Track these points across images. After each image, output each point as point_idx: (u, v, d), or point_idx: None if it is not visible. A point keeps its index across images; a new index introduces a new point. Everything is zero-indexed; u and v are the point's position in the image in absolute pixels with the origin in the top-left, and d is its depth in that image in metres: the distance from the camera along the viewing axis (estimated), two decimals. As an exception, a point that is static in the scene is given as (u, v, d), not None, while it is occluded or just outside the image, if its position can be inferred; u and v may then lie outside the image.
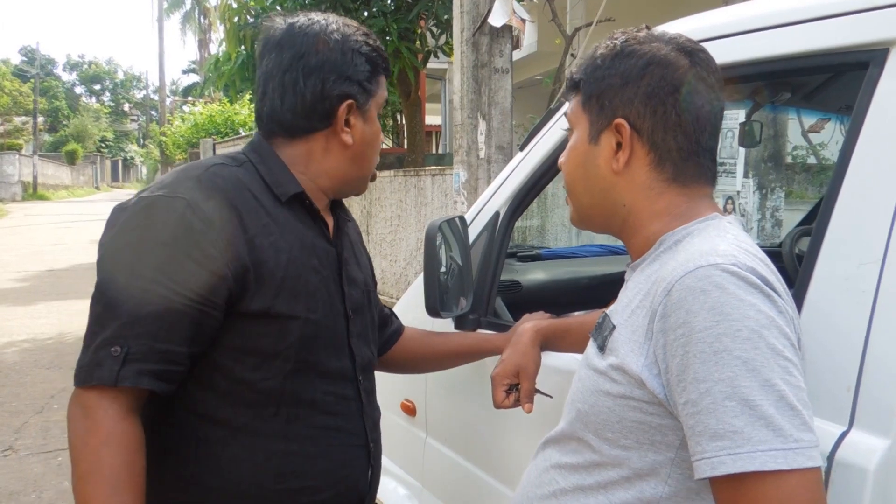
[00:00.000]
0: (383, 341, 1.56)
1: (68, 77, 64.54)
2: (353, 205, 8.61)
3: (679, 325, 0.82)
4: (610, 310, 1.00)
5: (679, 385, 0.82)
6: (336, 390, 1.24)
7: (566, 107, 1.08)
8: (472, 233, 1.71)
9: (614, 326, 0.95)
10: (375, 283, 1.51)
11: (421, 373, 1.70)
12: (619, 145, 0.99)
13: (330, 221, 1.32)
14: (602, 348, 0.96)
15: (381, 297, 1.61)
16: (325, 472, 1.23)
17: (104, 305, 1.07)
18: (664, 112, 0.96)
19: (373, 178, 1.37)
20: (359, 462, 1.29)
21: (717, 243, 0.87)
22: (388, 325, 1.58)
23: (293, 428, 1.19)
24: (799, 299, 1.02)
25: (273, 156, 1.25)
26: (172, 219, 1.08)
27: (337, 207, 1.35)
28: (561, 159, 1.09)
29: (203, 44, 34.31)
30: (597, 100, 1.01)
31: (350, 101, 1.23)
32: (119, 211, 1.13)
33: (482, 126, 4.92)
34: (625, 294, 1.00)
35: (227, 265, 1.09)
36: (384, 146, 14.14)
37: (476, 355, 1.57)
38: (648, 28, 1.03)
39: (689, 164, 0.98)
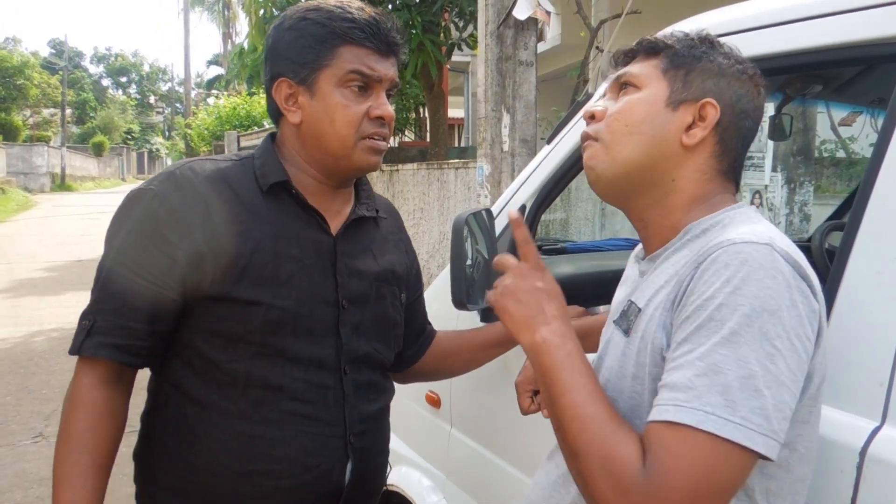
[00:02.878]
0: (417, 347, 1.57)
1: (95, 69, 65.38)
2: (376, 197, 8.63)
3: (698, 290, 0.84)
4: (634, 296, 1.00)
5: (674, 337, 0.85)
6: (309, 378, 1.25)
7: (628, 67, 1.05)
8: (499, 226, 1.72)
9: (640, 309, 0.96)
10: (419, 288, 1.54)
11: (459, 373, 1.66)
12: (693, 122, 0.98)
13: (342, 212, 1.33)
14: (627, 331, 0.97)
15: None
16: (291, 459, 1.24)
17: (93, 285, 1.22)
18: (742, 118, 0.99)
19: (382, 152, 1.30)
20: (333, 453, 1.28)
21: (754, 227, 0.89)
22: (423, 333, 1.59)
23: (260, 411, 1.22)
24: (831, 294, 1.01)
25: (269, 148, 1.30)
26: (140, 208, 1.20)
27: (361, 201, 1.37)
28: (599, 108, 1.04)
29: (227, 36, 34.54)
30: (686, 73, 0.99)
31: (280, 79, 1.25)
32: (118, 205, 1.25)
33: (506, 119, 4.91)
34: (649, 282, 0.99)
35: (183, 251, 1.17)
36: (407, 139, 14.16)
37: (509, 343, 1.56)
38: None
39: (737, 164, 1.02)
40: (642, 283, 1.01)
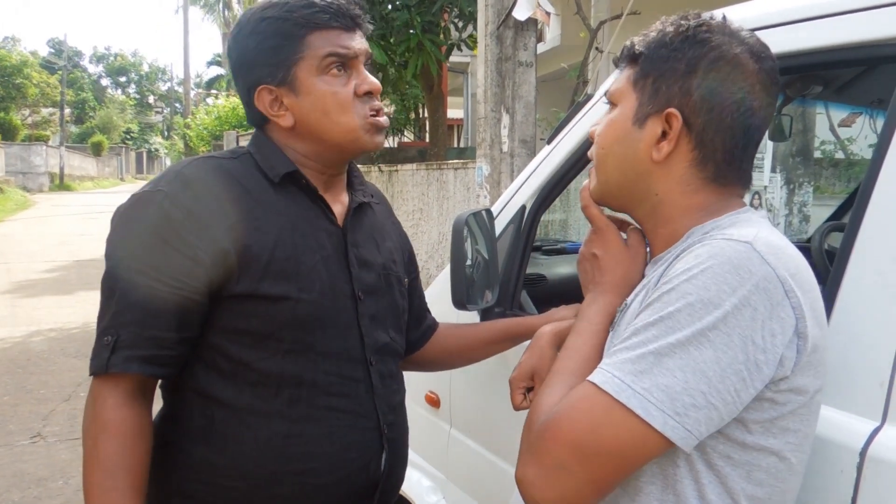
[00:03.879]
0: (419, 335, 1.55)
1: (95, 69, 65.31)
2: (375, 198, 8.63)
3: (665, 276, 0.86)
4: (629, 297, 1.00)
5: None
6: (342, 371, 1.23)
7: (612, 77, 1.05)
8: (498, 226, 1.72)
9: (627, 305, 0.97)
10: (414, 270, 1.52)
11: (457, 367, 1.68)
12: (664, 134, 0.95)
13: (341, 200, 1.32)
14: (613, 326, 0.99)
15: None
16: (331, 455, 1.22)
17: (104, 298, 1.16)
18: (720, 113, 0.93)
19: (379, 129, 1.27)
20: (371, 445, 1.27)
21: (749, 230, 0.87)
22: (424, 320, 1.57)
23: (295, 409, 1.19)
24: (831, 294, 1.01)
25: (266, 141, 1.27)
26: (152, 211, 1.14)
27: (355, 188, 1.35)
28: (596, 129, 1.04)
29: (227, 37, 34.51)
30: (653, 81, 0.95)
31: (259, 87, 1.22)
32: (117, 210, 1.20)
33: (505, 120, 4.91)
34: (643, 281, 1.00)
35: (205, 251, 1.13)
36: (406, 139, 14.16)
37: (511, 340, 1.55)
38: (724, 17, 0.97)
39: (731, 167, 0.96)
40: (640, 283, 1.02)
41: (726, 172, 0.96)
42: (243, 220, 1.17)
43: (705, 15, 0.97)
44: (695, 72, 0.92)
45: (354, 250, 1.29)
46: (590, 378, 0.84)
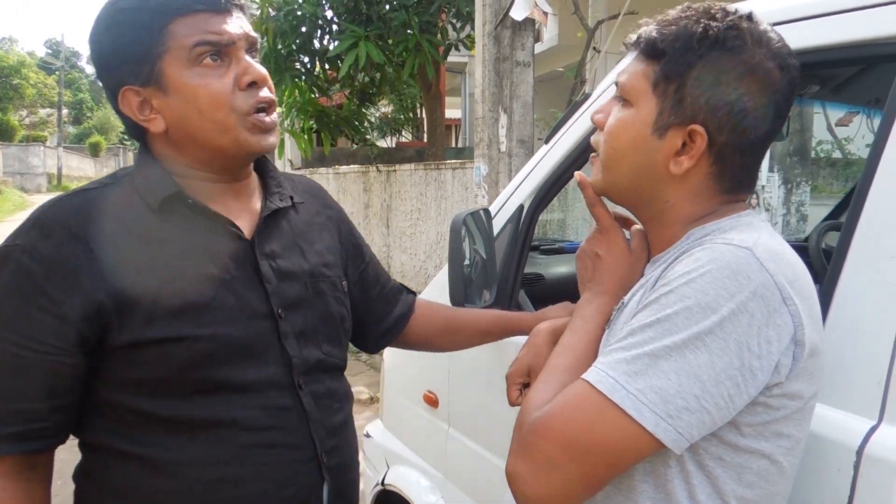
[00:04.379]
0: (391, 324, 1.45)
1: (92, 69, 65.13)
2: (374, 198, 8.64)
3: (664, 278, 0.86)
4: (626, 296, 1.00)
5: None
6: (265, 402, 1.10)
7: (624, 64, 0.97)
8: (496, 226, 1.72)
9: (624, 304, 0.97)
10: (361, 262, 1.39)
11: (443, 350, 1.64)
12: (683, 145, 0.91)
13: (250, 209, 1.17)
14: (609, 325, 0.98)
15: (402, 289, 1.52)
16: (262, 495, 1.11)
17: None
18: (744, 131, 0.89)
19: (267, 131, 1.11)
20: (309, 479, 1.16)
21: (749, 235, 0.86)
22: (394, 306, 1.45)
23: (216, 452, 1.08)
24: (828, 293, 1.01)
25: (146, 157, 1.12)
26: (10, 269, 1.02)
27: (271, 191, 1.21)
28: (600, 117, 0.99)
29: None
30: (677, 89, 0.89)
31: (123, 89, 1.07)
32: None
33: (503, 119, 4.91)
34: (641, 280, 0.99)
35: (74, 306, 1.00)
36: (404, 139, 14.16)
37: (499, 333, 1.52)
38: (751, 14, 0.91)
39: (745, 177, 0.95)
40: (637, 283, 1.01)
41: (740, 183, 0.95)
42: (118, 261, 1.03)
43: (731, 7, 0.91)
44: (723, 85, 0.87)
45: (270, 262, 1.15)
46: (584, 376, 0.84)
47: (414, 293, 1.51)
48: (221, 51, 1.05)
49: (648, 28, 0.93)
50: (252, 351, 1.10)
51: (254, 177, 1.21)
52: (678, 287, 0.82)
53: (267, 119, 1.09)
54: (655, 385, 0.78)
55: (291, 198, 1.24)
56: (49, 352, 1.01)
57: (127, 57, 1.05)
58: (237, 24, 1.07)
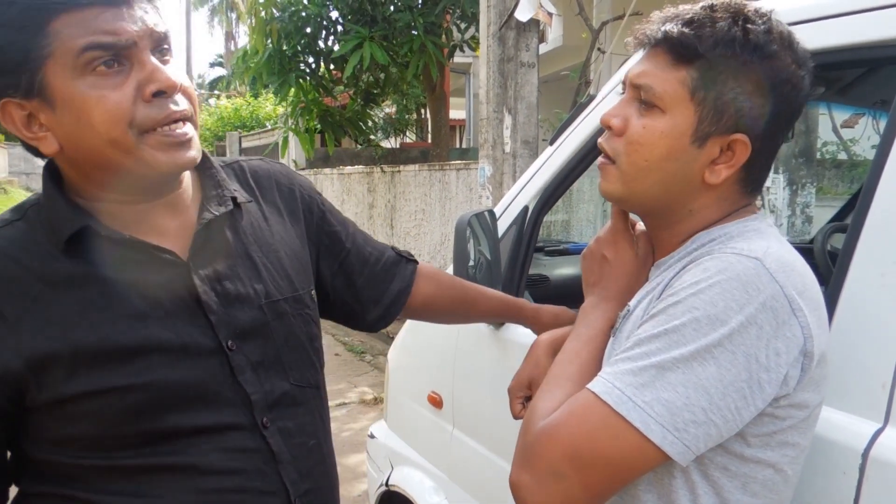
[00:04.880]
0: (388, 302, 1.30)
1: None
2: (378, 199, 8.64)
3: (671, 288, 0.85)
4: (632, 301, 0.98)
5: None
6: (224, 445, 0.97)
7: (642, 67, 0.89)
8: (501, 227, 1.72)
9: (630, 311, 0.95)
10: (342, 251, 1.23)
11: (450, 322, 1.64)
12: (720, 152, 0.88)
13: (186, 221, 0.99)
14: (614, 332, 0.97)
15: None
16: None
17: None
18: (777, 139, 0.90)
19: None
20: None
21: (758, 244, 0.85)
22: (388, 283, 1.30)
23: (178, 497, 0.95)
24: (834, 296, 1.01)
25: (49, 189, 0.94)
26: None
27: (208, 195, 1.02)
28: (626, 127, 0.91)
29: (230, 37, 34.59)
30: (717, 96, 0.86)
31: (2, 101, 0.88)
32: None
33: (508, 120, 4.91)
34: (646, 286, 0.98)
35: None
36: (408, 140, 14.15)
37: (508, 317, 1.51)
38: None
39: (763, 180, 0.95)
40: (643, 288, 0.99)
41: (760, 185, 0.95)
42: (25, 314, 0.89)
43: (758, 5, 0.88)
44: (763, 94, 0.86)
45: (211, 287, 0.98)
46: (590, 386, 0.82)
47: (415, 261, 1.36)
48: (119, 54, 0.86)
49: (673, 27, 0.86)
50: (201, 393, 0.96)
51: (188, 183, 1.01)
52: (686, 298, 0.80)
53: (178, 131, 0.90)
54: (663, 397, 0.77)
55: (234, 198, 1.03)
56: None
57: (1, 66, 0.85)
58: (138, 19, 0.87)
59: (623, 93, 0.94)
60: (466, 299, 1.42)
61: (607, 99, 1.47)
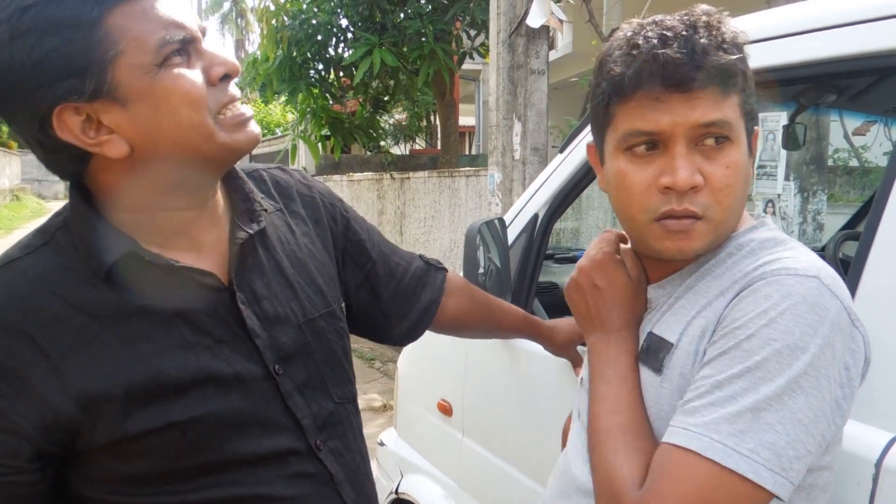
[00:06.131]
0: (417, 315, 1.24)
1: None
2: (388, 205, 8.66)
3: (732, 317, 0.79)
4: (656, 329, 0.91)
5: (712, 350, 0.80)
6: (285, 472, 0.95)
7: (715, 107, 0.81)
8: (511, 234, 1.72)
9: (672, 344, 0.87)
10: (367, 261, 1.18)
11: (472, 337, 1.57)
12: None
13: (218, 236, 0.95)
14: (659, 370, 0.87)
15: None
16: None
17: None
18: None
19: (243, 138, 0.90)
20: None
21: (797, 254, 0.82)
22: (418, 296, 1.24)
23: None
24: (846, 304, 1.00)
25: (83, 212, 0.88)
26: None
27: (239, 210, 0.98)
28: (714, 174, 0.82)
29: (240, 44, 34.82)
30: (746, 100, 0.85)
31: (58, 108, 0.80)
32: None
33: (517, 127, 4.91)
34: (674, 313, 0.89)
35: (26, 416, 0.81)
36: (418, 147, 14.18)
37: (527, 335, 1.45)
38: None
39: None
40: (661, 314, 0.92)
41: None
42: (69, 351, 0.83)
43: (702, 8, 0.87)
44: (752, 86, 0.87)
45: (252, 310, 0.94)
46: (682, 444, 0.76)
47: (444, 269, 1.29)
48: (184, 48, 0.85)
49: (712, 58, 0.80)
50: (258, 420, 0.93)
51: (219, 193, 0.98)
52: (760, 330, 0.76)
53: (240, 110, 0.90)
54: (766, 441, 0.74)
55: (264, 210, 1.00)
56: (1, 472, 0.82)
57: (57, 70, 0.79)
58: (189, 12, 0.87)
59: (650, 147, 0.84)
60: (493, 316, 1.35)
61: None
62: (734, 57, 0.81)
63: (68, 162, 0.86)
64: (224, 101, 0.88)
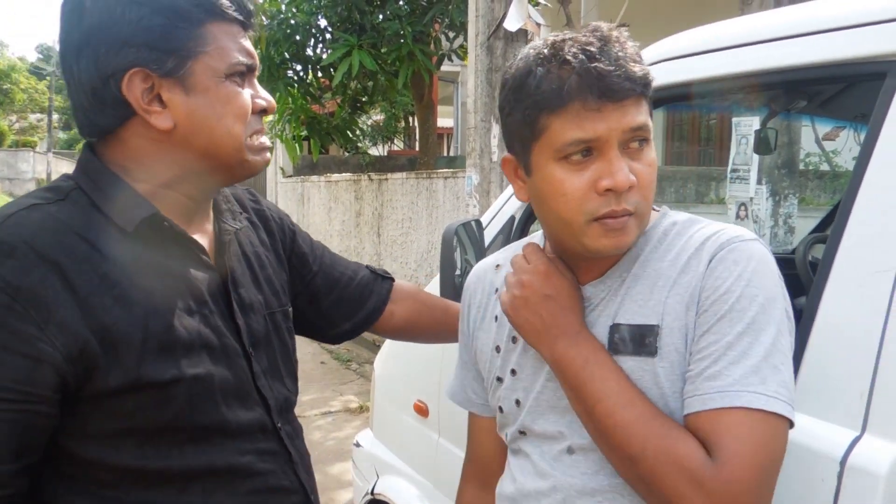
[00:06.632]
0: (354, 325, 1.30)
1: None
2: (366, 206, 8.65)
3: (711, 285, 0.88)
4: (619, 318, 0.93)
5: (696, 331, 0.88)
6: (256, 447, 1.01)
7: (639, 113, 0.89)
8: (488, 236, 1.73)
9: (656, 326, 0.90)
10: (303, 262, 1.25)
11: (434, 342, 1.54)
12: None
13: (208, 230, 1.06)
14: (654, 352, 0.90)
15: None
16: None
17: None
18: None
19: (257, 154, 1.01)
20: None
21: (727, 225, 0.93)
22: (358, 308, 1.30)
23: (213, 499, 0.97)
24: (813, 306, 1.03)
25: (105, 173, 0.96)
26: None
27: (221, 209, 1.08)
28: (640, 173, 0.89)
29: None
30: (649, 104, 0.92)
31: (134, 70, 0.91)
32: None
33: (495, 129, 4.93)
34: (632, 300, 0.93)
35: (51, 342, 0.84)
36: (396, 148, 14.18)
37: None
38: None
39: None
40: (616, 306, 0.94)
41: None
42: (97, 289, 0.88)
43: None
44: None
45: (239, 294, 1.04)
46: (725, 405, 0.82)
47: (391, 279, 1.36)
48: (245, 73, 0.99)
49: (634, 70, 0.87)
50: (239, 392, 1.00)
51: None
52: (743, 291, 0.86)
53: (265, 140, 1.04)
54: (780, 380, 0.84)
55: (241, 212, 1.13)
56: (21, 401, 0.84)
57: (153, 41, 0.91)
58: (250, 46, 1.01)
59: (586, 153, 0.89)
60: (451, 321, 1.33)
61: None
62: (647, 67, 0.90)
63: (111, 114, 0.94)
64: (256, 129, 1.01)
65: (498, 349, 1.06)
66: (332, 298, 1.28)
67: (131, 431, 0.92)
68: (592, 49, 0.86)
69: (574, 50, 0.86)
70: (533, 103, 0.89)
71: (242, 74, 0.98)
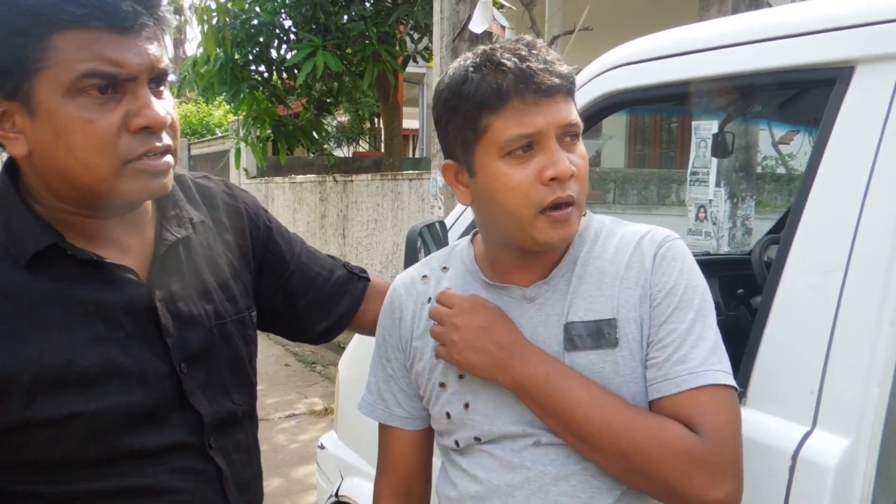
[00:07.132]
0: (331, 323, 1.27)
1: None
2: (331, 208, 8.60)
3: (661, 280, 0.96)
4: (570, 317, 0.96)
5: (652, 322, 0.95)
6: (172, 466, 0.97)
7: (570, 109, 0.95)
8: (452, 237, 1.74)
9: (613, 319, 0.95)
10: (280, 262, 1.20)
11: None
12: None
13: (143, 240, 0.99)
14: (615, 343, 0.94)
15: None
16: None
17: None
18: None
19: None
20: None
21: (642, 225, 1.02)
22: (333, 305, 1.27)
23: None
24: (766, 305, 1.06)
25: (10, 194, 0.91)
26: None
27: (167, 215, 1.02)
28: (581, 166, 0.95)
29: (178, 42, 34.06)
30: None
31: None
32: None
33: (460, 131, 4.95)
34: (582, 297, 0.97)
35: None
36: (361, 150, 14.12)
37: None
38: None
39: None
40: (566, 306, 0.97)
41: None
42: None
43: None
44: None
45: (167, 309, 0.97)
46: (699, 384, 0.90)
47: (367, 278, 1.33)
48: (116, 83, 0.85)
49: (561, 70, 0.94)
50: (153, 416, 0.95)
51: (146, 203, 1.01)
52: (687, 283, 0.95)
53: (157, 162, 0.89)
54: (724, 357, 0.94)
55: (191, 220, 1.04)
56: None
57: None
58: (143, 51, 0.86)
59: (527, 149, 0.93)
60: None
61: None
62: (571, 68, 0.97)
63: None
64: (139, 152, 0.87)
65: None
66: (308, 298, 1.24)
67: (24, 464, 0.89)
68: (523, 52, 0.93)
69: (507, 54, 0.92)
70: (473, 105, 0.93)
71: (108, 87, 0.84)
